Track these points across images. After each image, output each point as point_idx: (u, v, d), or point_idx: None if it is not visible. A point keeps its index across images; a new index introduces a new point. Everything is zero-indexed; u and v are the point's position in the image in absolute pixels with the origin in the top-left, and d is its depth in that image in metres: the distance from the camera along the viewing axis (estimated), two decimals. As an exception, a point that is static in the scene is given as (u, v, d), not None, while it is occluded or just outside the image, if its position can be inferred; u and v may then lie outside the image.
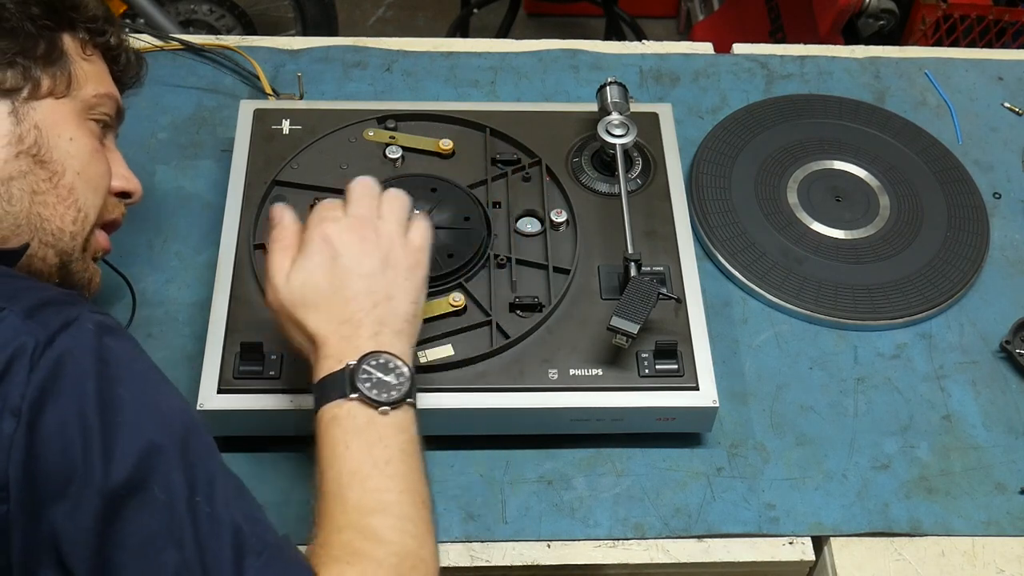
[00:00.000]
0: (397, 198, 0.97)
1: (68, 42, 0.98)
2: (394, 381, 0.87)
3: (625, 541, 1.05)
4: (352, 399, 0.86)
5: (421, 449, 0.88)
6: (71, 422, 0.72)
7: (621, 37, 2.72)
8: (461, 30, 2.80)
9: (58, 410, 0.72)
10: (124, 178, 1.03)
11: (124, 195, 1.04)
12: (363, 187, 0.96)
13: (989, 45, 2.10)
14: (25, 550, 0.71)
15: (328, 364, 0.88)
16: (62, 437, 0.72)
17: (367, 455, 0.85)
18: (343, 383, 0.87)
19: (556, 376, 1.06)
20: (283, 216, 0.95)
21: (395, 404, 0.87)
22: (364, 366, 0.87)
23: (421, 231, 0.96)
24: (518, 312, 1.10)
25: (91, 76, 0.99)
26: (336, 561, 0.79)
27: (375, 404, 0.86)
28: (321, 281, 0.90)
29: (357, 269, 0.91)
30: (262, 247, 1.12)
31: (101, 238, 1.01)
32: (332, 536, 0.81)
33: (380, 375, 0.87)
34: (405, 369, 0.88)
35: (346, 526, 0.81)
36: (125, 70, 1.07)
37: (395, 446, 0.86)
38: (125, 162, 1.05)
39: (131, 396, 0.76)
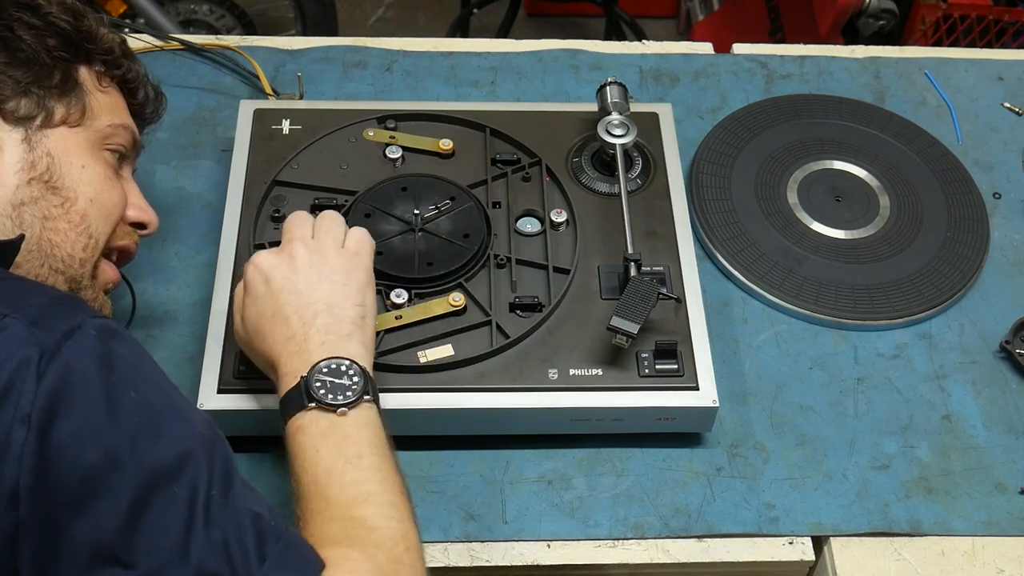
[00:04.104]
0: (329, 217, 1.01)
1: (84, 74, 0.99)
2: (348, 383, 0.89)
3: (625, 541, 1.05)
4: (311, 408, 0.88)
5: (390, 443, 0.90)
6: (84, 429, 0.72)
7: (621, 37, 2.72)
8: (461, 30, 2.80)
9: (70, 418, 0.72)
10: (139, 208, 1.04)
11: (140, 226, 1.04)
12: (296, 217, 1.01)
13: (989, 45, 2.10)
14: (40, 555, 0.71)
15: (285, 382, 0.91)
16: (76, 444, 0.72)
17: (338, 453, 0.87)
18: (300, 396, 0.89)
19: (556, 376, 1.06)
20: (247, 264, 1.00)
21: (352, 404, 0.89)
22: (316, 375, 0.89)
23: (356, 237, 1.00)
24: (518, 312, 1.10)
25: (106, 107, 1.00)
26: (336, 544, 0.81)
27: (332, 407, 0.88)
28: (261, 308, 0.94)
29: (289, 287, 0.94)
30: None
31: (110, 270, 1.01)
32: (325, 526, 0.83)
33: (333, 379, 0.89)
34: (357, 368, 0.90)
35: (335, 518, 0.83)
36: (143, 104, 1.09)
37: (363, 441, 0.88)
38: (142, 194, 1.05)
39: (142, 399, 0.76)
